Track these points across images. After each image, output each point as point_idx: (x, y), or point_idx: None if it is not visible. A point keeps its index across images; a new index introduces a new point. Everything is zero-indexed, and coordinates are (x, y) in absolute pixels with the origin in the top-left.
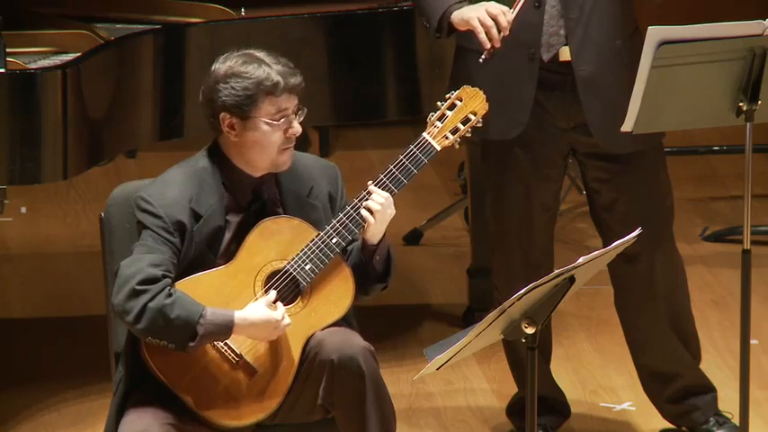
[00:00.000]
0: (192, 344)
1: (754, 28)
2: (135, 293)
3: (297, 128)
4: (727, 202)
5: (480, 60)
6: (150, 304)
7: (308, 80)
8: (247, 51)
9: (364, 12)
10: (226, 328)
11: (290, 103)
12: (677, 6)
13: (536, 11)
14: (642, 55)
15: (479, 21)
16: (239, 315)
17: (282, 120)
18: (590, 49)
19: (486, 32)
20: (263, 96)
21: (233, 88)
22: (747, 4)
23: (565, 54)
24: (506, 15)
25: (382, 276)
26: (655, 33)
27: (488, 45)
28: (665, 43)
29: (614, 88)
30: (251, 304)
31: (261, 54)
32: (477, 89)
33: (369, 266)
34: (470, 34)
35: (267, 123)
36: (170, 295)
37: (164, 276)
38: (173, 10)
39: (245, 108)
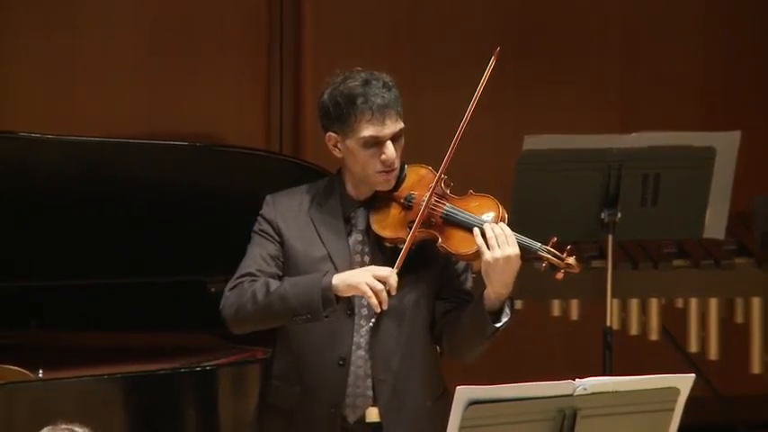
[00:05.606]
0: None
1: (564, 388)
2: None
3: None
4: None
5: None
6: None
7: None
8: None
9: (166, 372)
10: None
11: None
12: None
13: (340, 369)
14: (451, 415)
15: (368, 285)
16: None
17: None
18: (400, 411)
19: (376, 295)
20: None
21: None
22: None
23: (372, 415)
24: (393, 275)
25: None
26: (463, 393)
27: (379, 309)
28: (473, 403)
29: None
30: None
31: None
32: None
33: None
34: None
35: None
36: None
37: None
38: None
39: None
